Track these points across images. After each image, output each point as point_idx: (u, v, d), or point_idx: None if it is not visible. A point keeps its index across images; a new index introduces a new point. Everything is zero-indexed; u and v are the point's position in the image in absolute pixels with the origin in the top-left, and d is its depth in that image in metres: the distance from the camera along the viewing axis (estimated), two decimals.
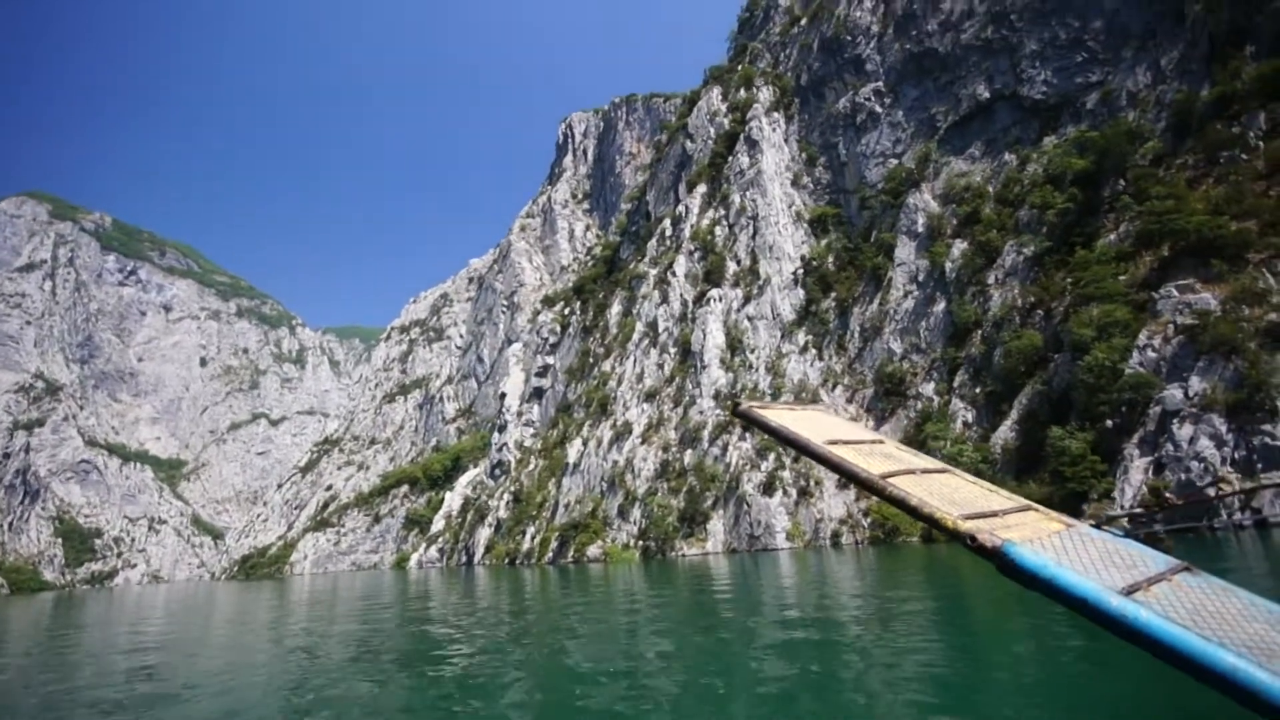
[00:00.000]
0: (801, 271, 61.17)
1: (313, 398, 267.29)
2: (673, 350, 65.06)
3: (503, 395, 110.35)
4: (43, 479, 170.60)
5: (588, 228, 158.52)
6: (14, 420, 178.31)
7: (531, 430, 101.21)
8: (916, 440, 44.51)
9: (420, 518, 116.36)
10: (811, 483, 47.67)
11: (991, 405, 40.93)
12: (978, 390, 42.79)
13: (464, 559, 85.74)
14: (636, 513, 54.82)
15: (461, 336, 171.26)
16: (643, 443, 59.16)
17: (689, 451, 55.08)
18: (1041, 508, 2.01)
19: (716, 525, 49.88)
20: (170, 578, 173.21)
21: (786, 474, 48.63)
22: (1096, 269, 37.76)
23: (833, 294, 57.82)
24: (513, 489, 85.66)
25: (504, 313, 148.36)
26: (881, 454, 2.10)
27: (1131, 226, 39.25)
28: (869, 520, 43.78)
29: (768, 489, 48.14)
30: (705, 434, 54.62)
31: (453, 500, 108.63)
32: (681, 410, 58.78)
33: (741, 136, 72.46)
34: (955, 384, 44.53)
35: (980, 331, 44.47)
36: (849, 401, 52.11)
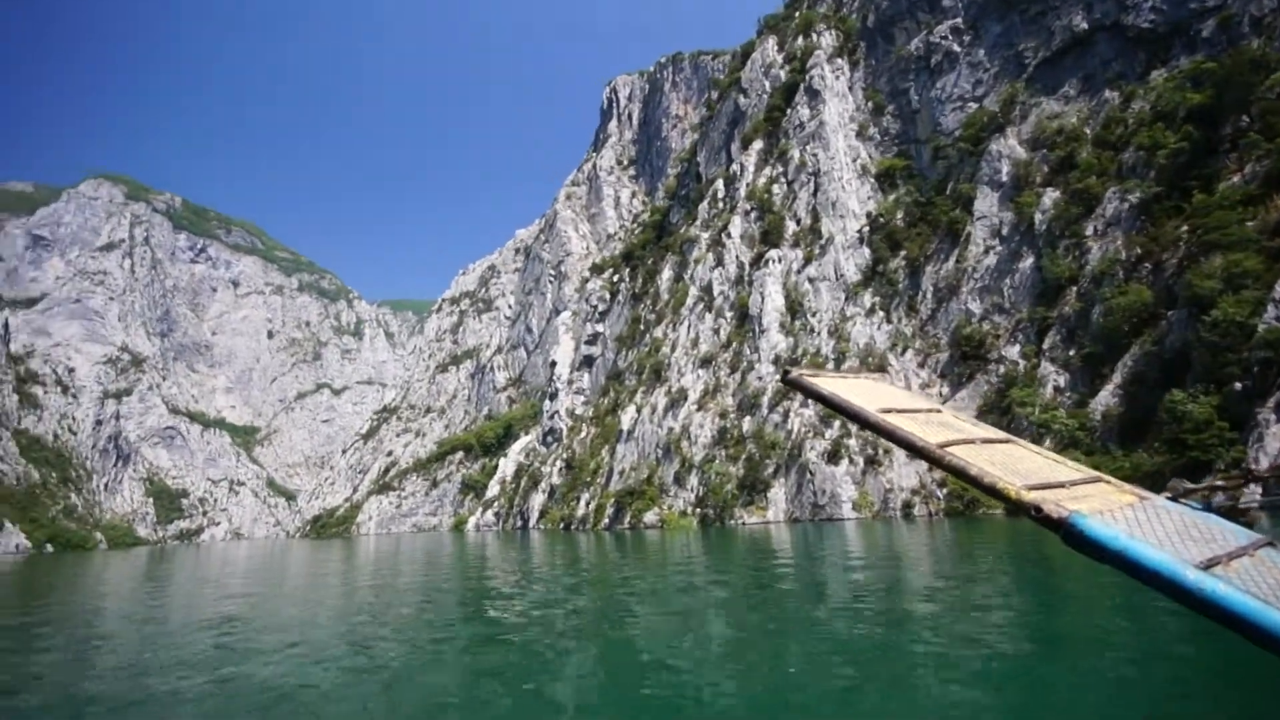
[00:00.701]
0: (867, 229, 57.58)
1: (370, 368, 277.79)
2: (729, 315, 62.96)
3: (553, 364, 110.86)
4: (133, 444, 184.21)
5: (634, 194, 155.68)
6: (104, 390, 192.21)
7: (582, 398, 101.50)
8: (999, 407, 41.55)
9: (475, 483, 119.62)
10: (880, 451, 45.44)
11: (1089, 369, 37.45)
12: (1071, 353, 39.26)
13: (519, 523, 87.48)
14: (694, 480, 53.93)
15: (510, 307, 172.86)
16: (699, 409, 57.86)
17: (748, 418, 53.47)
18: (1113, 479, 1.86)
19: (778, 493, 48.46)
20: (250, 535, 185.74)
21: (852, 442, 46.51)
22: (1220, 214, 33.46)
23: (902, 252, 54.23)
24: (565, 456, 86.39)
25: (551, 282, 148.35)
26: (939, 423, 1.98)
27: (1260, 166, 34.60)
28: (945, 491, 41.44)
29: (832, 457, 46.22)
30: (765, 400, 52.82)
31: (506, 466, 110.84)
32: (739, 376, 57.02)
33: (801, 87, 68.20)
34: (1045, 346, 41.04)
35: (1076, 288, 40.61)
36: (920, 366, 49.14)
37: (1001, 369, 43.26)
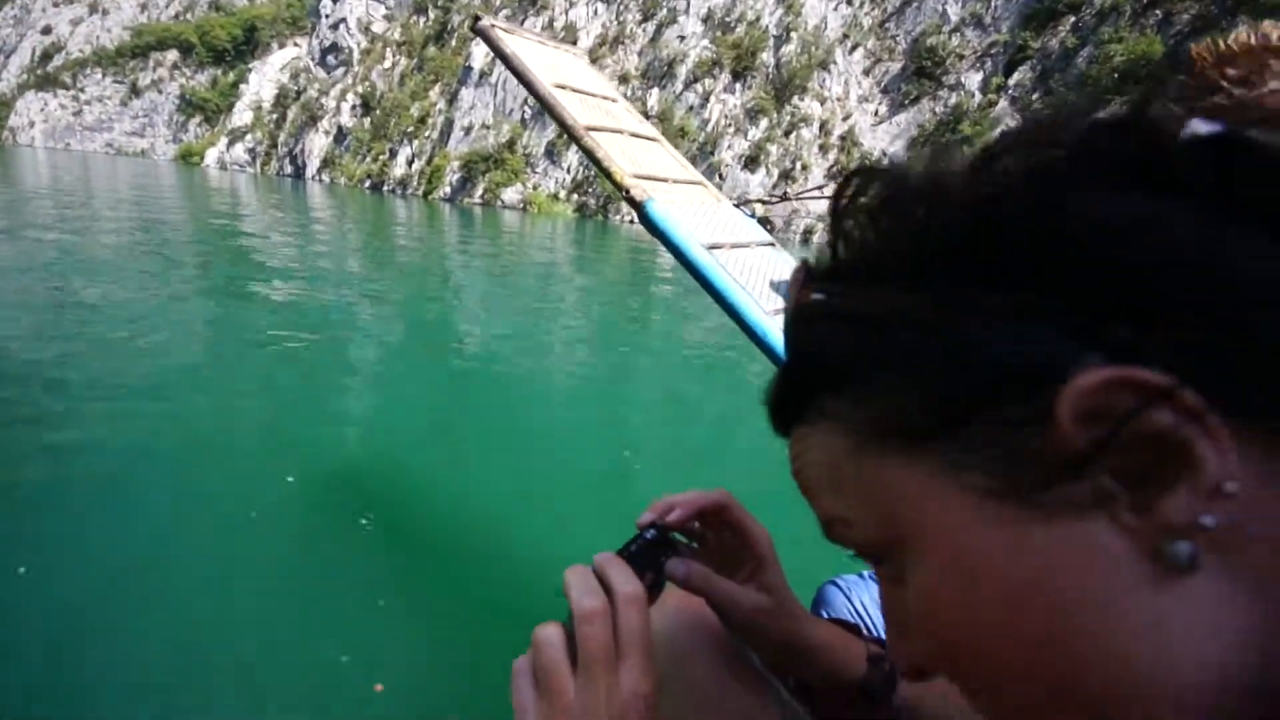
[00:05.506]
0: None
1: None
2: None
3: None
4: None
5: None
6: None
7: (384, 10, 73.01)
8: (936, 141, 38.01)
9: (203, 101, 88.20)
10: (799, 166, 40.25)
11: None
12: (1036, 96, 35.67)
13: (289, 169, 67.78)
14: (573, 159, 43.24)
15: None
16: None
17: (656, 90, 42.12)
18: (712, 187, 2.10)
19: None
20: None
21: (774, 149, 40.18)
22: None
23: None
24: (360, 89, 65.17)
25: None
26: (605, 110, 1.99)
27: None
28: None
29: (751, 162, 39.76)
30: (682, 72, 41.39)
31: (261, 87, 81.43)
32: (653, 28, 43.11)
33: None
34: (1011, 81, 36.64)
35: (1076, 18, 35.14)
36: (865, 74, 41.88)
37: (954, 98, 38.57)
